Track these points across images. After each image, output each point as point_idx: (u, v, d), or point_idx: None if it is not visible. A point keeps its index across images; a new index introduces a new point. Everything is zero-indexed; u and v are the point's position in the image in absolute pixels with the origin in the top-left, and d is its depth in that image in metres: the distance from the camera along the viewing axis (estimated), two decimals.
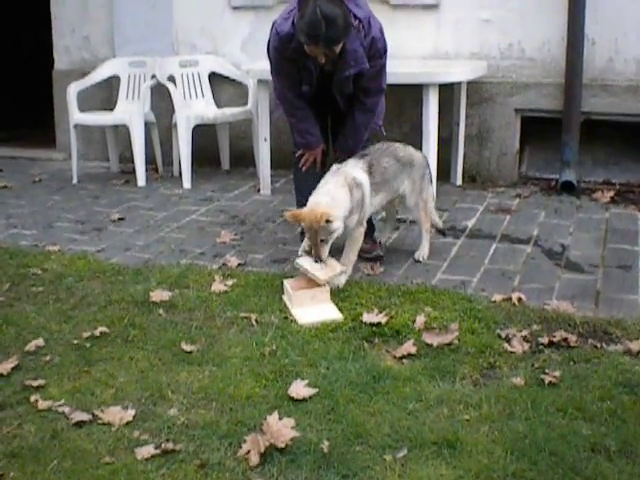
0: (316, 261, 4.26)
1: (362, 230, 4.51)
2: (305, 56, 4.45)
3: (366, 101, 4.71)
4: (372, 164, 4.55)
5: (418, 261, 4.83)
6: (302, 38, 4.32)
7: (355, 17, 4.42)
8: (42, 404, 3.31)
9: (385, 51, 4.63)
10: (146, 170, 7.05)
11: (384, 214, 5.27)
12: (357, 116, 4.74)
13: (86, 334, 3.93)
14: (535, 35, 6.43)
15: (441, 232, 5.12)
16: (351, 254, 4.50)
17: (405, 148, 4.80)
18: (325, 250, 4.25)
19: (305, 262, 4.29)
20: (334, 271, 4.28)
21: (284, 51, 4.53)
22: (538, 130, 6.63)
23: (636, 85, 6.20)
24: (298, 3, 4.39)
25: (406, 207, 4.89)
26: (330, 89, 4.67)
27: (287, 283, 4.28)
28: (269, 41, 4.68)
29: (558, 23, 6.29)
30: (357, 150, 4.74)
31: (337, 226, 4.24)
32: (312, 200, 4.31)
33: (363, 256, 4.80)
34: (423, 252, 4.87)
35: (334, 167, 4.56)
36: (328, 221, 4.15)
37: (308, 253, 4.35)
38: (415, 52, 6.70)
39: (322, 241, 4.21)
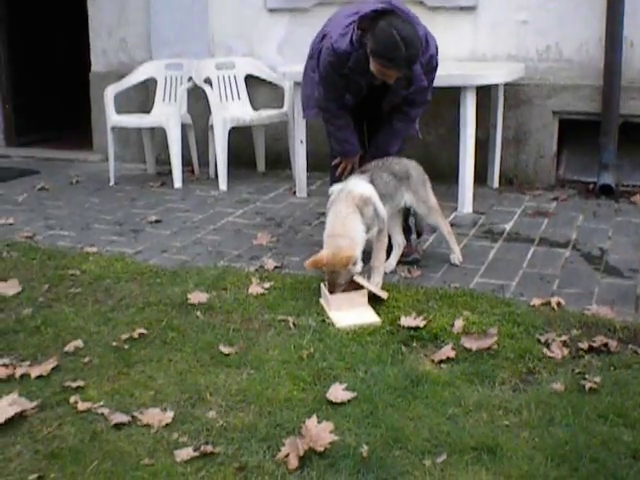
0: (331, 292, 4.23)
1: (385, 232, 4.48)
2: (360, 74, 4.42)
3: (410, 111, 4.69)
4: (374, 178, 4.47)
5: (455, 264, 4.80)
6: (380, 61, 4.25)
7: None
8: (82, 405, 3.32)
9: (437, 66, 4.62)
10: (182, 172, 7.10)
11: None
12: (396, 124, 4.71)
13: (124, 336, 3.94)
14: (573, 37, 6.39)
15: (418, 233, 4.98)
16: (380, 254, 4.47)
17: (400, 161, 4.69)
18: (341, 289, 4.22)
19: (359, 278, 4.26)
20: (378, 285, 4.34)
21: (340, 68, 4.46)
22: (576, 133, 6.58)
23: None
24: (360, 20, 4.34)
25: (420, 217, 4.80)
26: (374, 98, 4.62)
27: (324, 286, 4.27)
28: (319, 52, 4.59)
29: (596, 25, 6.24)
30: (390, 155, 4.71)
31: (357, 268, 4.22)
32: (331, 243, 4.22)
33: (400, 260, 4.80)
34: (456, 254, 4.84)
35: (336, 189, 4.48)
36: (354, 263, 4.14)
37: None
38: (452, 54, 6.67)
39: (340, 285, 4.20)
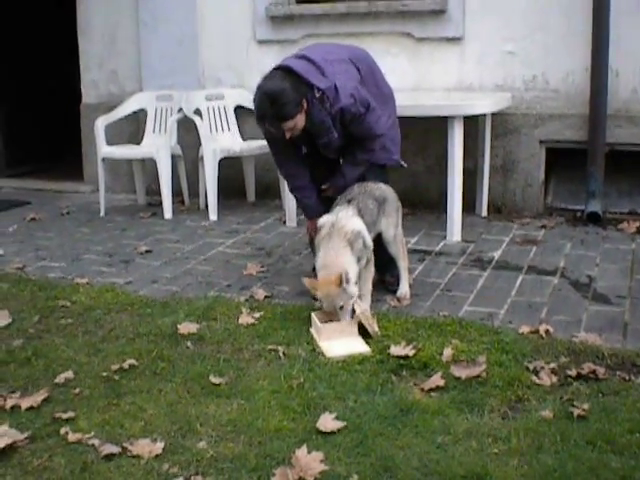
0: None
1: (372, 262, 4.51)
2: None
3: (358, 156, 4.69)
4: (360, 207, 4.47)
5: (398, 298, 4.75)
6: (255, 120, 4.40)
7: (318, 89, 4.38)
8: (72, 436, 3.32)
9: (366, 110, 4.51)
10: (173, 203, 7.12)
11: None
12: (346, 167, 4.72)
13: (115, 367, 3.95)
14: (559, 66, 6.46)
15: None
16: (368, 283, 4.51)
17: (377, 186, 4.68)
18: (347, 316, 4.22)
19: (358, 309, 4.26)
20: (372, 318, 4.29)
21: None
22: (563, 161, 6.64)
23: None
24: None
25: (385, 241, 4.72)
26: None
27: (315, 315, 4.29)
28: None
29: (582, 54, 6.31)
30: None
31: (353, 290, 4.21)
32: (323, 273, 4.25)
33: (390, 289, 4.83)
34: (404, 290, 4.79)
35: (327, 222, 4.42)
36: (347, 280, 4.14)
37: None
38: (439, 84, 6.75)
39: (341, 308, 4.20)
